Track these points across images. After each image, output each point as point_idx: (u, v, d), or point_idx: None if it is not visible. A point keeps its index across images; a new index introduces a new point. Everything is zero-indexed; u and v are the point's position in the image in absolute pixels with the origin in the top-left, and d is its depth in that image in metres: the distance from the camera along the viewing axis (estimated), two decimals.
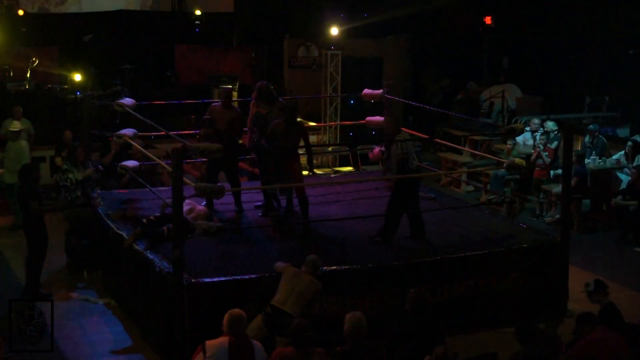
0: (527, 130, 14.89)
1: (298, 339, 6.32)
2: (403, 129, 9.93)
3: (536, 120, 14.85)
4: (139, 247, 8.82)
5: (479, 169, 14.34)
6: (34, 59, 16.38)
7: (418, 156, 9.93)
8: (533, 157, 13.77)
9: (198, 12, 19.26)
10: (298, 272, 7.80)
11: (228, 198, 10.11)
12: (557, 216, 12.38)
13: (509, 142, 14.17)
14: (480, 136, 16.07)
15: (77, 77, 17.02)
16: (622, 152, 13.89)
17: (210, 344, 6.25)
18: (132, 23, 19.13)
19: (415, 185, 9.58)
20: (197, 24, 19.35)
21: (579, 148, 14.04)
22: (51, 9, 19.10)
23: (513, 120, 16.22)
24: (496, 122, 17.56)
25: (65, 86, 16.80)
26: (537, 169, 13.58)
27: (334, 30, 16.28)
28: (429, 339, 6.71)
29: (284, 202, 10.16)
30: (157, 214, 9.31)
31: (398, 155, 9.18)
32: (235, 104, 10.91)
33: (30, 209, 9.59)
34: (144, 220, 9.14)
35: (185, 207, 9.03)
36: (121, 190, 11.46)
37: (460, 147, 15.22)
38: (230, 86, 15.88)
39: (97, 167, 11.31)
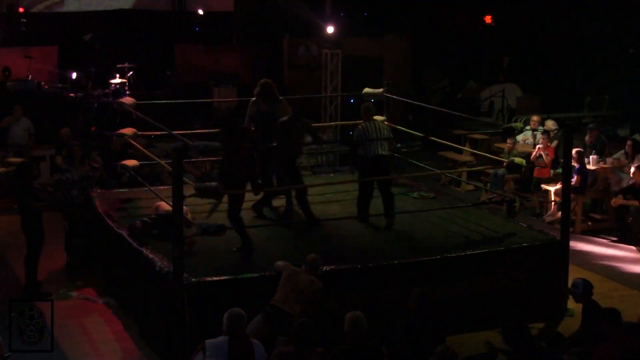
0: (527, 129, 14.88)
1: (301, 338, 6.33)
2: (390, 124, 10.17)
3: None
4: (138, 246, 8.82)
5: (479, 168, 14.32)
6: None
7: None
8: (533, 156, 13.76)
9: (200, 12, 19.25)
10: (298, 271, 7.80)
11: None
12: (557, 215, 12.36)
13: (509, 140, 14.16)
14: (480, 135, 16.05)
15: (77, 76, 17.01)
16: (622, 151, 13.88)
17: (210, 343, 6.25)
18: (132, 22, 19.11)
19: (377, 171, 9.91)
20: (197, 23, 19.34)
21: (579, 147, 14.03)
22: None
23: (513, 120, 16.21)
24: (496, 121, 17.56)
25: (65, 85, 16.80)
26: (537, 168, 13.56)
27: (333, 30, 16.28)
28: (430, 338, 6.70)
29: None
30: (153, 215, 9.30)
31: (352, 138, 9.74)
32: (235, 104, 10.89)
33: (29, 207, 9.60)
34: (138, 222, 9.13)
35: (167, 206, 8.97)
36: (121, 189, 11.47)
37: (460, 146, 15.20)
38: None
39: (95, 165, 11.28)
